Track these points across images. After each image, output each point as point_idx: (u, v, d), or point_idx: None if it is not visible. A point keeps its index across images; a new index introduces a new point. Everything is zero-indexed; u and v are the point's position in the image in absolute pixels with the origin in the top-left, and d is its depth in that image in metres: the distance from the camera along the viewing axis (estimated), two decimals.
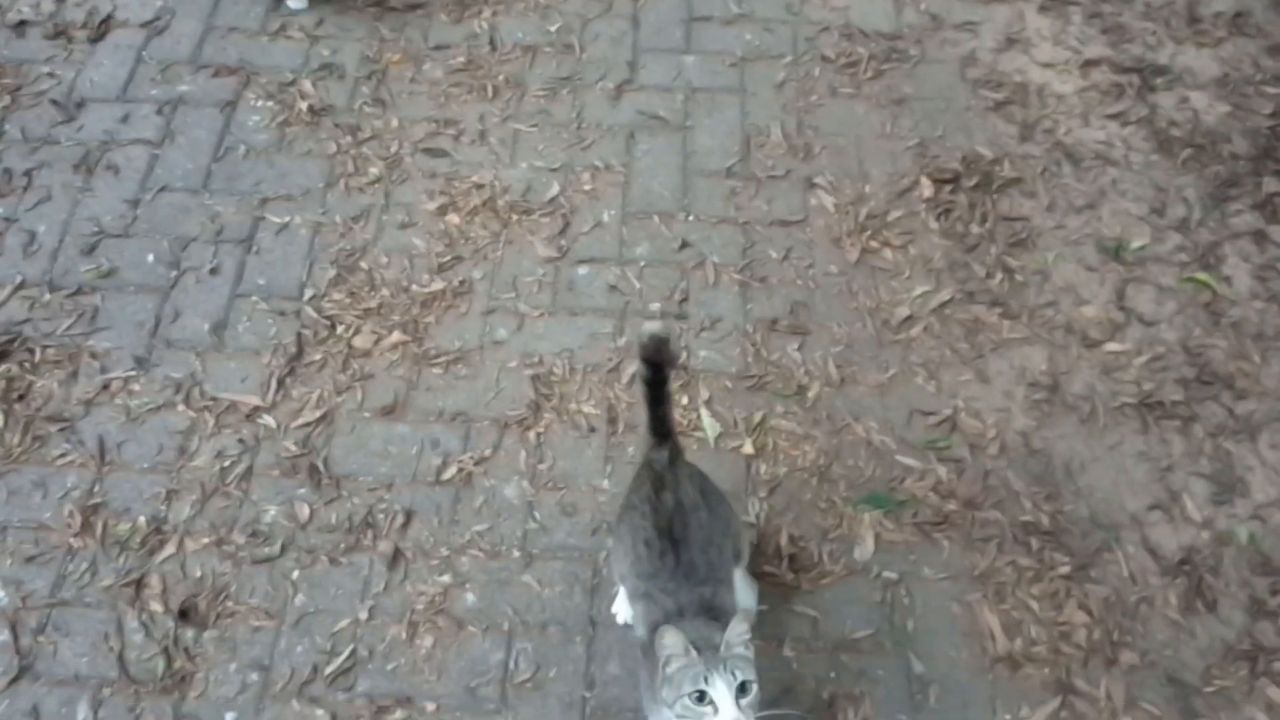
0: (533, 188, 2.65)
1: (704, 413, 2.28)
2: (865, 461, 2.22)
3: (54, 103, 2.77)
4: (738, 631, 1.48)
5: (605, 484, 2.18)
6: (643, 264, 2.51)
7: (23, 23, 2.96)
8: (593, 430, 2.27)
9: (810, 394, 2.31)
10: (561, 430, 2.27)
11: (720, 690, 1.43)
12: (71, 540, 2.11)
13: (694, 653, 1.46)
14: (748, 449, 2.23)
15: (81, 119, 2.74)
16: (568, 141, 2.74)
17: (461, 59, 2.90)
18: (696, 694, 1.44)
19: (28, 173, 2.64)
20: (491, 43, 2.95)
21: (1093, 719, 1.92)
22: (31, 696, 1.94)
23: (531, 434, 2.26)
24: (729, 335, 2.39)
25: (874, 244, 2.55)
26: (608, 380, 2.33)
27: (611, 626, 2.01)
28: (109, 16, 2.96)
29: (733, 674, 1.44)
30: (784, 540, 2.11)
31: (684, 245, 2.54)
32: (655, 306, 2.43)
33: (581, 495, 2.17)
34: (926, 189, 2.64)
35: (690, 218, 2.60)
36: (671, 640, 1.47)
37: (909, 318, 2.43)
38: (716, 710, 1.43)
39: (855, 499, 2.17)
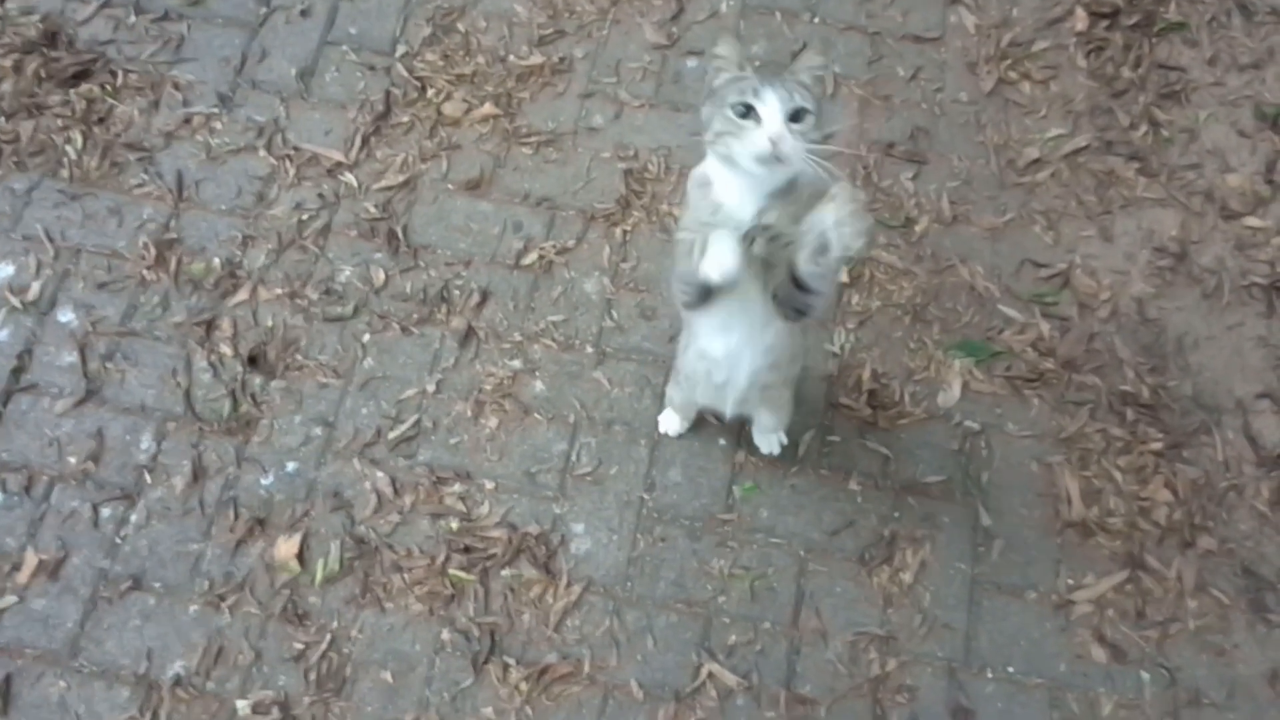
0: None
1: None
2: (965, 306, 2.10)
3: None
4: (810, 63, 1.30)
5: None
6: (757, 63, 2.31)
7: None
8: (663, 231, 2.16)
9: (918, 228, 2.16)
10: (649, 231, 2.16)
11: (770, 103, 1.24)
12: (145, 272, 2.08)
13: (749, 68, 1.27)
14: (842, 277, 2.11)
15: None
16: None
17: None
18: (742, 106, 1.25)
19: None
20: None
21: (1158, 596, 1.87)
22: (97, 420, 1.96)
23: (618, 231, 2.15)
24: (839, 154, 2.23)
25: (1012, 75, 2.33)
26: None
27: (677, 437, 1.96)
28: None
29: (790, 94, 1.25)
30: (866, 375, 2.02)
31: (804, 48, 2.33)
32: None
33: (662, 301, 2.08)
34: (1080, 21, 2.38)
35: (815, 19, 2.38)
36: (726, 48, 1.29)
37: (1037, 160, 2.24)
38: (760, 123, 1.24)
39: (948, 343, 2.06)
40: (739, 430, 1.95)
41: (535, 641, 1.80)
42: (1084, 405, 2.02)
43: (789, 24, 2.37)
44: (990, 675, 1.80)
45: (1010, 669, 1.81)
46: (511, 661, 1.78)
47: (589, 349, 2.04)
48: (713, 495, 1.92)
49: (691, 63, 2.33)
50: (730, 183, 1.34)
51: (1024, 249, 2.15)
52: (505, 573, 1.84)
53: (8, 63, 2.25)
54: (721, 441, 1.96)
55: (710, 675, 1.78)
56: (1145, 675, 1.82)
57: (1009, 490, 1.94)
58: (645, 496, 1.91)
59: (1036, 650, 1.82)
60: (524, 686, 1.76)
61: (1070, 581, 1.87)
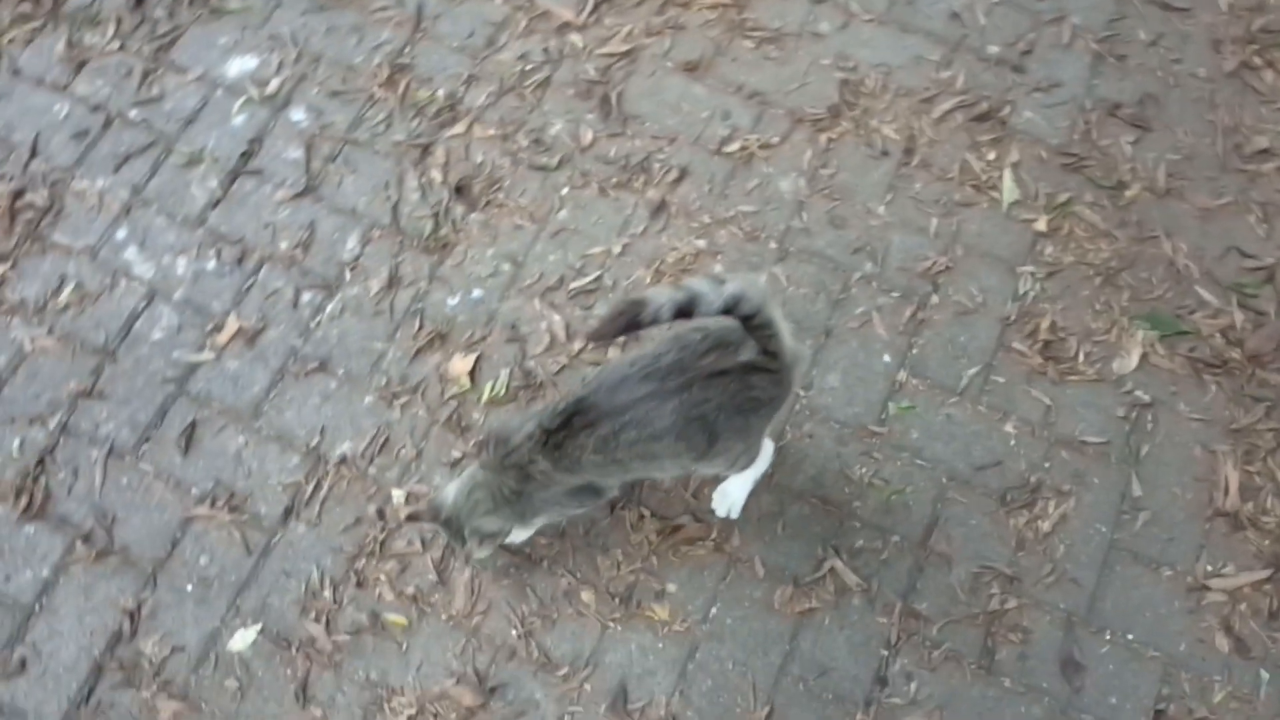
0: None
1: (1007, 175, 2.13)
2: (1160, 280, 2.05)
3: None
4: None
5: (881, 210, 2.10)
6: (995, 1, 2.29)
7: None
8: (885, 154, 2.16)
9: (1128, 193, 2.11)
10: (854, 144, 2.17)
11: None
12: (375, 89, 2.20)
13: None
14: (1040, 225, 2.09)
15: None
16: None
17: None
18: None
19: None
20: None
21: None
22: (311, 213, 2.10)
23: (823, 138, 2.17)
24: (1062, 105, 2.19)
25: (1257, 61, 2.24)
26: (917, 110, 2.19)
27: (844, 342, 1.99)
28: None
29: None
30: (1044, 325, 2.01)
31: None
32: (993, 50, 2.24)
33: (854, 212, 2.10)
34: None
35: None
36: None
37: (1265, 150, 2.16)
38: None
39: (1135, 312, 2.02)
40: (906, 349, 1.98)
41: (672, 501, 1.88)
42: (1262, 402, 1.96)
43: None
44: (1108, 637, 1.80)
45: (1130, 636, 1.80)
46: (647, 513, 1.86)
47: (772, 244, 2.08)
48: (867, 406, 1.95)
49: None
50: None
51: (1233, 236, 2.09)
52: None
53: None
54: (886, 358, 1.99)
55: (832, 570, 1.83)
56: (1265, 674, 1.79)
57: (1166, 467, 1.92)
58: (801, 393, 1.96)
59: (1160, 625, 1.81)
60: (654, 538, 1.85)
61: (1209, 568, 1.85)
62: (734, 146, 2.16)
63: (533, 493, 1.57)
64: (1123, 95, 2.20)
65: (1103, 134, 2.17)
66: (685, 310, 1.35)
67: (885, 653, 1.77)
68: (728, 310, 1.37)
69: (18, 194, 2.09)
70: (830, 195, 2.13)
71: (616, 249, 2.08)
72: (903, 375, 1.98)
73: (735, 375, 1.49)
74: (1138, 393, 1.97)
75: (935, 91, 2.21)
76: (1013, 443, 1.93)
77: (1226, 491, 1.90)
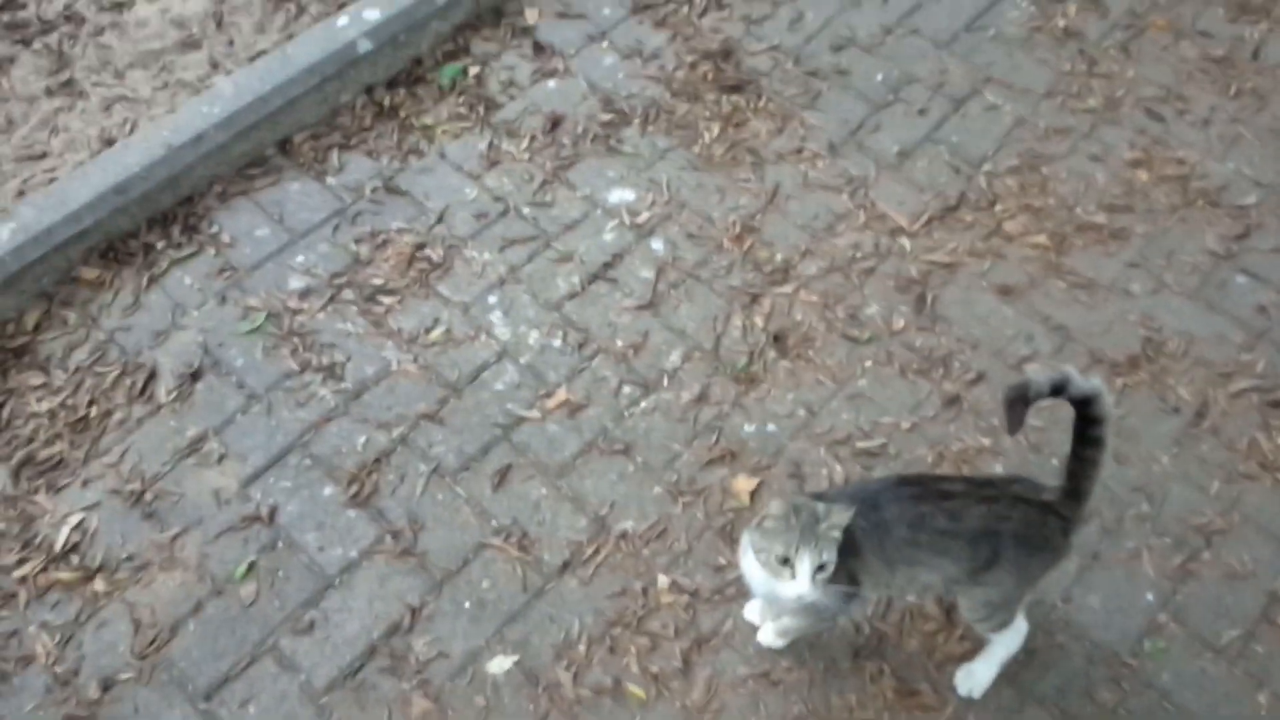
0: (1230, 189, 2.62)
1: None
2: None
3: None
4: (839, 520, 1.58)
5: (1165, 460, 2.19)
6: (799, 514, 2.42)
7: None
8: (1177, 411, 2.28)
9: None
10: (1148, 394, 2.30)
11: (804, 563, 1.58)
12: (724, 240, 2.54)
13: (794, 520, 1.58)
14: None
15: None
16: None
17: (1220, 52, 2.90)
18: (782, 557, 1.59)
19: None
20: (1255, 53, 2.91)
21: None
22: (647, 324, 2.40)
23: (1119, 381, 2.31)
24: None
25: None
26: (1214, 380, 2.31)
27: (1109, 569, 2.05)
28: None
29: (820, 552, 1.58)
30: None
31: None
32: None
33: (1137, 454, 2.20)
34: None
35: None
36: (778, 508, 1.61)
37: None
38: (793, 577, 1.59)
39: None
40: (1170, 593, 2.02)
41: (914, 665, 1.95)
42: None
43: None
44: None
45: None
46: (887, 669, 1.94)
47: (1054, 461, 2.20)
48: (1122, 636, 1.99)
49: (1240, 279, 2.47)
50: (758, 572, 1.70)
51: None
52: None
53: (689, 59, 2.88)
54: (1149, 596, 2.03)
55: None
56: None
57: None
58: (1059, 604, 2.02)
59: None
60: (889, 695, 1.92)
61: None
62: (1033, 366, 2.34)
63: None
64: None
65: None
66: (1058, 388, 1.58)
67: None
68: (1086, 400, 1.60)
69: (419, 246, 2.52)
70: (1117, 433, 2.23)
71: (905, 425, 2.26)
72: (1163, 617, 2.01)
73: (1036, 509, 1.70)
74: None
75: (1234, 369, 2.33)
76: (1263, 713, 1.91)
77: None
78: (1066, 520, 1.70)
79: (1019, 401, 1.62)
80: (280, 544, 2.11)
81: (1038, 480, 1.74)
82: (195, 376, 2.32)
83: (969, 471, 2.18)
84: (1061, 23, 2.96)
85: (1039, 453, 2.21)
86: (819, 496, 1.75)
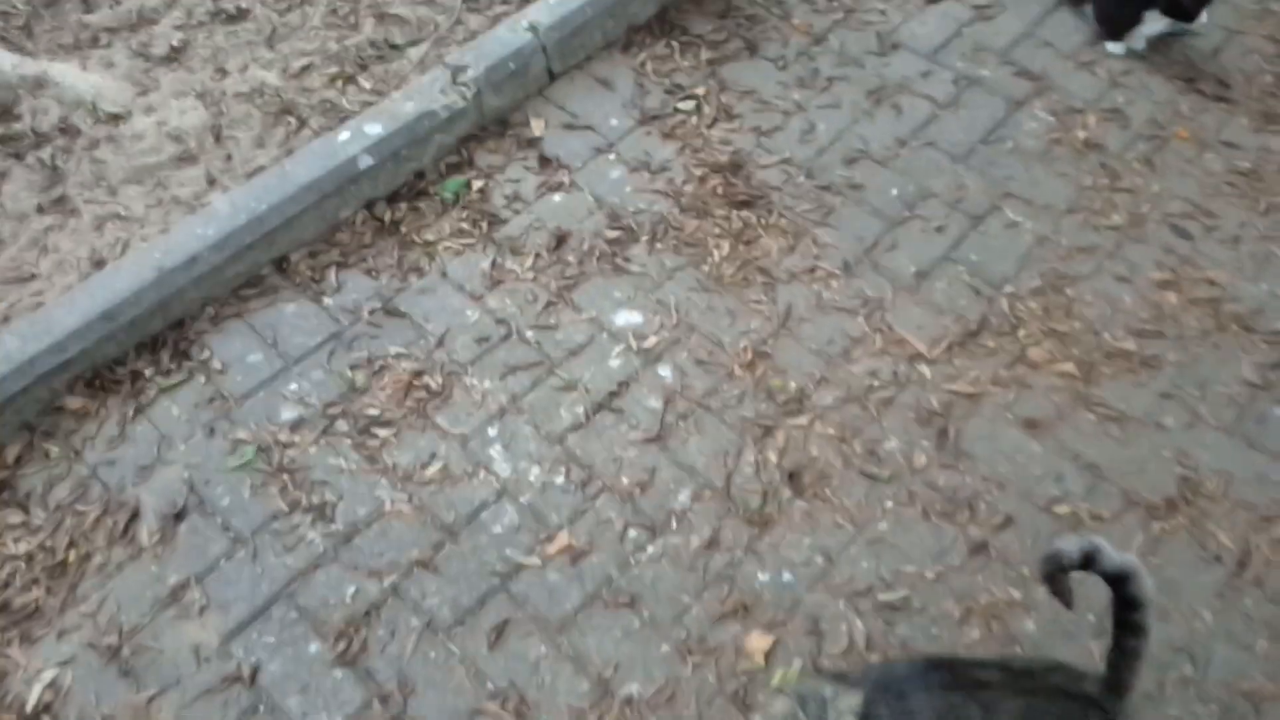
0: (1264, 312, 2.51)
1: None
2: None
3: (876, 35, 3.13)
4: (847, 706, 1.51)
5: (1207, 616, 2.04)
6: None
7: None
8: (1218, 560, 2.14)
9: None
10: (1186, 541, 2.16)
11: None
12: (736, 368, 2.43)
13: (802, 716, 1.53)
14: None
15: (891, 58, 3.07)
16: None
17: (1246, 165, 2.81)
18: None
19: (830, 79, 3.02)
20: None
21: None
22: (655, 459, 2.28)
23: (1156, 526, 2.18)
24: None
25: None
26: (1256, 525, 2.17)
27: None
28: None
29: None
30: None
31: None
32: None
33: (1178, 610, 2.05)
34: None
35: None
36: (783, 707, 1.56)
37: None
38: None
39: None
40: None
41: None
42: None
43: None
44: None
45: None
46: None
47: (1090, 617, 2.05)
48: None
49: (1279, 410, 2.35)
50: None
51: None
52: None
53: (699, 172, 2.80)
54: None
55: None
56: None
57: None
58: None
59: None
60: None
61: None
62: (1063, 509, 2.21)
63: None
64: None
65: None
66: (1088, 560, 1.45)
67: None
68: (1120, 579, 1.45)
69: (418, 374, 2.41)
70: (1157, 587, 2.10)
71: (930, 574, 2.12)
72: None
73: (1077, 704, 1.55)
74: None
75: (1276, 513, 2.19)
76: None
77: None
78: (1109, 716, 1.55)
79: (1056, 574, 1.50)
80: (261, 708, 1.97)
81: (1078, 667, 1.61)
82: (179, 517, 2.20)
83: (998, 629, 2.04)
84: (1082, 134, 2.87)
85: (1074, 607, 2.07)
86: (839, 676, 1.62)
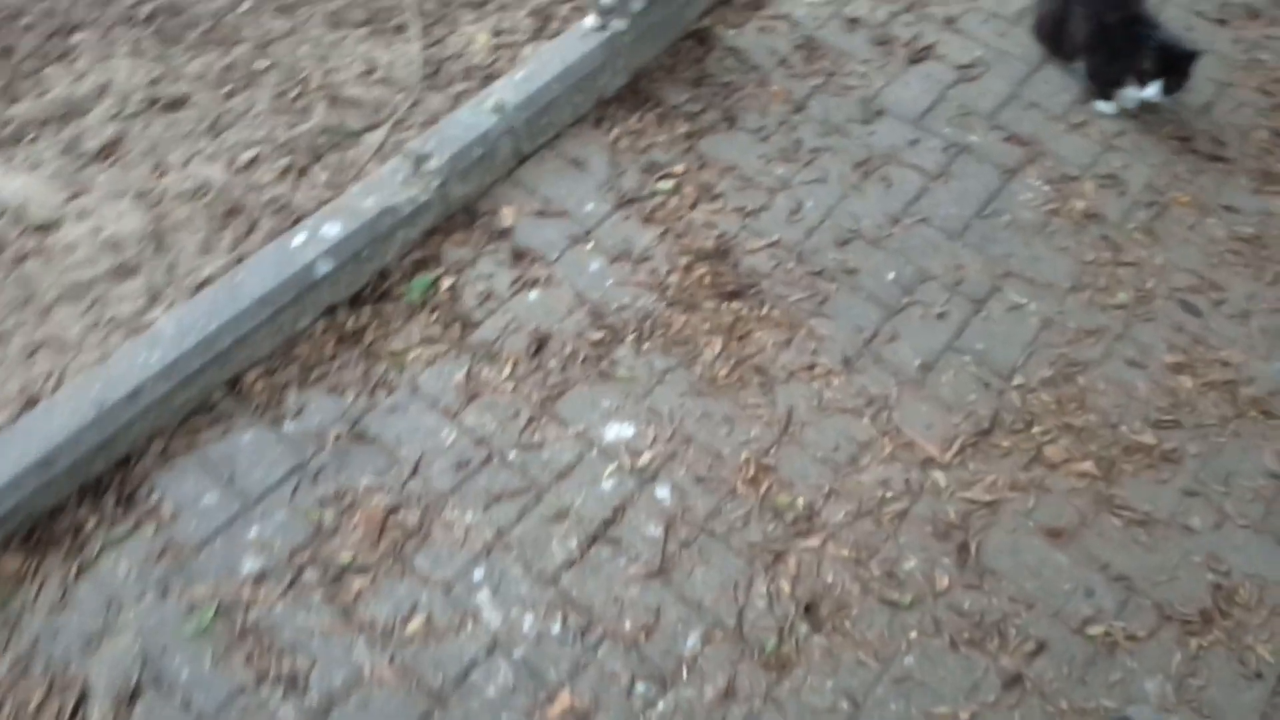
0: None
1: None
2: None
3: (859, 101, 2.98)
4: None
5: None
6: None
7: (855, 20, 3.22)
8: (1259, 676, 2.01)
9: None
10: (1225, 657, 2.04)
11: None
12: (738, 484, 2.26)
13: None
14: None
15: (876, 126, 2.93)
16: None
17: (1249, 230, 2.71)
18: None
19: (814, 150, 2.87)
20: None
21: None
22: (659, 597, 2.10)
23: (1193, 643, 2.05)
24: None
25: None
26: None
27: None
28: (930, 46, 3.13)
29: None
30: None
31: None
32: None
33: None
34: None
35: None
36: None
37: None
38: None
39: None
40: None
41: None
42: None
43: None
44: None
45: None
46: None
47: None
48: None
49: None
50: None
51: None
52: None
53: (683, 260, 2.63)
54: None
55: None
56: None
57: None
58: None
59: None
60: None
61: None
62: (1097, 629, 2.07)
63: None
64: None
65: None
66: None
67: None
68: None
69: (392, 509, 2.21)
70: (1199, 710, 1.98)
71: (964, 715, 1.97)
72: None
73: None
74: None
75: None
76: None
77: None
78: None
79: None
80: None
81: None
82: (134, 696, 1.98)
83: None
84: (1079, 204, 2.75)
85: None
86: None
